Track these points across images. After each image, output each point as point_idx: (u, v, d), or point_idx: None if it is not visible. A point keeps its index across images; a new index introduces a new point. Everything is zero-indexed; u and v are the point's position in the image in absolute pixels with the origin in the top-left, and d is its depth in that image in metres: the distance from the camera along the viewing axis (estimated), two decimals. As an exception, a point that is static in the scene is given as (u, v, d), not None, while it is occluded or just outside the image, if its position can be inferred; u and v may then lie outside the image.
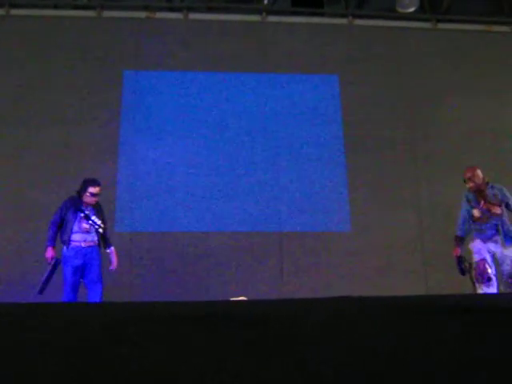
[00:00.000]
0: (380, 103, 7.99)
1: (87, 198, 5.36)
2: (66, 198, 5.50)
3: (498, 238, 5.41)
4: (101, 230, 5.34)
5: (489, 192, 5.53)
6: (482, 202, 5.49)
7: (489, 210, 5.45)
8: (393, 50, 8.26)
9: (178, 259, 7.11)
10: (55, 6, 8.04)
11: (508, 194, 5.52)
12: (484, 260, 5.35)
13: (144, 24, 8.04)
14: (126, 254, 6.77)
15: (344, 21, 8.45)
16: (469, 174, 5.57)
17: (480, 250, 5.46)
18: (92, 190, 5.35)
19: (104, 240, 5.51)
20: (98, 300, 5.22)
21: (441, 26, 8.56)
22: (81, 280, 5.29)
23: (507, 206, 5.50)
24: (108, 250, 5.52)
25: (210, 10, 8.26)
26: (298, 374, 1.42)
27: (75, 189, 6.56)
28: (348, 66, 8.07)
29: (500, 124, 8.10)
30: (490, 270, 5.29)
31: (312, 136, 7.75)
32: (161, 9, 8.17)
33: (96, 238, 5.35)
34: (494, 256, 5.44)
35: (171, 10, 8.22)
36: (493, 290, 5.27)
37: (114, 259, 5.50)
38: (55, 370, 1.43)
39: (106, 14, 8.05)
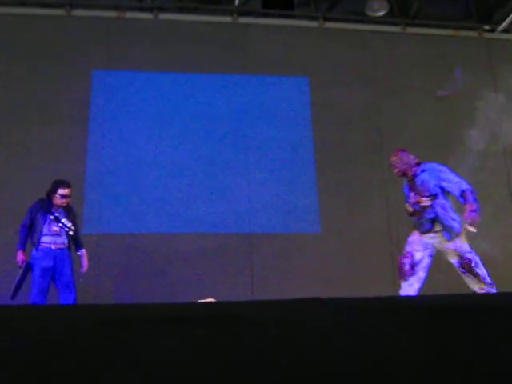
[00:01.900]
0: (350, 106, 8.05)
1: (57, 200, 5.25)
2: (35, 201, 5.37)
3: (438, 232, 4.74)
4: (71, 233, 5.25)
5: (417, 179, 4.84)
6: (412, 195, 4.86)
7: (418, 203, 4.79)
8: (363, 53, 8.34)
9: (146, 261, 7.04)
10: (22, 4, 7.89)
11: (443, 173, 4.77)
12: (405, 254, 4.79)
13: (114, 24, 7.96)
14: (94, 256, 6.66)
15: (314, 23, 8.49)
16: (392, 159, 4.99)
17: (412, 242, 4.84)
18: (62, 191, 5.25)
19: (75, 242, 5.42)
20: (71, 303, 5.13)
21: (410, 30, 8.67)
22: (51, 283, 5.18)
23: (441, 188, 4.74)
24: (79, 253, 5.42)
25: (180, 10, 8.20)
26: (267, 376, 1.42)
27: (43, 190, 6.48)
28: (318, 68, 8.12)
29: (470, 126, 8.23)
30: (407, 266, 4.72)
31: (282, 138, 7.77)
32: (131, 8, 8.09)
33: (66, 241, 5.25)
34: (434, 248, 4.80)
35: (142, 9, 8.14)
36: (409, 289, 4.69)
37: (85, 262, 5.41)
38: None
39: (76, 12, 7.94)
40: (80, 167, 7.27)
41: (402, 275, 4.75)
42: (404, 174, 4.95)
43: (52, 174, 6.88)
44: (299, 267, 7.31)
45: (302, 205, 7.55)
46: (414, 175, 4.87)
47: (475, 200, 4.56)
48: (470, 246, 4.70)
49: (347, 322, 2.12)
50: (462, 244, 4.66)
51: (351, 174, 7.79)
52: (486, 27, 8.85)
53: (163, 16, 8.13)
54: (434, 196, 4.73)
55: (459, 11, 8.86)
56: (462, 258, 4.62)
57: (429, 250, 4.79)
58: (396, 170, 4.97)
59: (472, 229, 4.68)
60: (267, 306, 3.20)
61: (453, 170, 4.83)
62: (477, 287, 4.57)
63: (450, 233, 4.68)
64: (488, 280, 4.54)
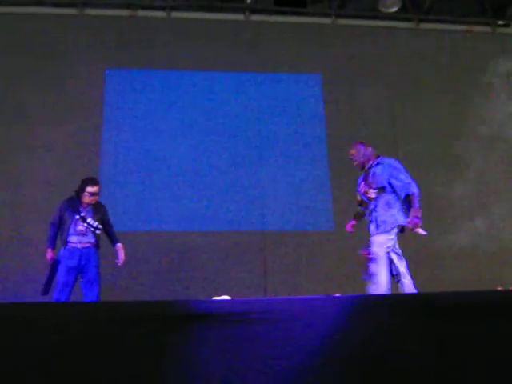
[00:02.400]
0: (363, 102, 8.02)
1: (86, 198, 5.22)
2: (65, 199, 5.34)
3: (371, 226, 4.78)
4: (98, 232, 5.23)
5: (371, 171, 4.84)
6: (362, 185, 4.91)
7: (365, 194, 4.84)
8: (376, 49, 8.30)
9: (161, 259, 7.07)
10: (37, 3, 7.94)
11: (396, 170, 4.71)
12: (366, 252, 4.78)
13: (127, 22, 7.99)
14: (109, 254, 6.67)
15: (327, 20, 8.47)
16: (351, 152, 4.97)
17: (381, 240, 4.73)
18: (90, 189, 5.22)
19: (109, 238, 5.41)
20: (94, 300, 5.14)
21: (423, 25, 8.62)
22: (77, 281, 5.18)
23: (390, 184, 4.69)
24: (115, 247, 5.40)
25: (193, 8, 8.22)
26: (281, 371, 1.42)
27: (57, 188, 6.56)
28: (331, 65, 8.09)
29: (485, 124, 8.18)
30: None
31: (295, 135, 7.76)
32: (144, 7, 8.11)
33: (93, 240, 5.21)
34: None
35: (154, 8, 8.16)
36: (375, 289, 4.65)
37: (121, 255, 5.36)
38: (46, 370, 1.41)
39: (89, 11, 7.99)
40: (94, 165, 7.31)
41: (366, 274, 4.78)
42: (363, 166, 4.95)
43: (68, 172, 7.00)
44: (313, 265, 7.29)
45: (315, 202, 7.53)
46: (370, 167, 4.87)
47: (419, 205, 4.56)
48: (389, 252, 4.61)
49: (360, 318, 2.12)
50: (381, 242, 4.62)
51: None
52: (500, 22, 8.78)
53: (175, 14, 8.15)
54: (381, 189, 4.72)
55: (473, 6, 8.79)
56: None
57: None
58: (355, 164, 4.97)
59: (422, 232, 4.65)
60: (281, 304, 3.21)
61: (407, 171, 4.78)
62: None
63: (377, 227, 4.68)
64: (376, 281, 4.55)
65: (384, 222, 4.64)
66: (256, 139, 7.68)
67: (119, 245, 5.41)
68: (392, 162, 4.83)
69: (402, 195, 4.62)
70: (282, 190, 7.50)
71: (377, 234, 4.68)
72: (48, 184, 7.16)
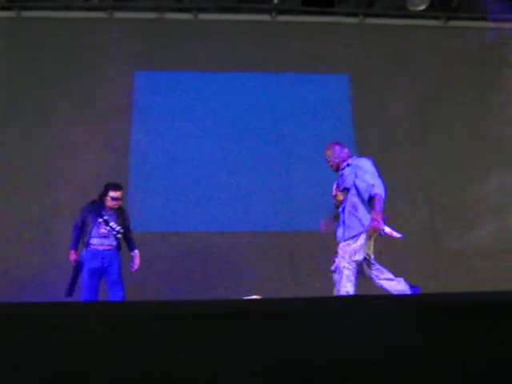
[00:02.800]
0: (392, 102, 7.96)
1: (108, 202, 5.31)
2: (87, 202, 5.45)
3: (339, 230, 4.61)
4: (119, 236, 5.31)
5: (341, 173, 4.74)
6: (334, 187, 4.81)
7: (334, 197, 4.78)
8: (404, 48, 8.23)
9: (190, 259, 7.11)
10: (66, 8, 8.06)
11: (361, 171, 4.54)
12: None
13: (154, 25, 8.06)
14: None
15: (355, 20, 8.42)
16: (326, 153, 4.84)
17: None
18: (113, 194, 5.30)
19: (128, 243, 5.50)
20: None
21: (452, 23, 8.52)
22: (101, 282, 5.27)
23: (355, 186, 4.54)
24: (132, 253, 5.50)
25: (219, 10, 8.25)
26: (319, 371, 1.42)
27: (85, 190, 6.66)
28: (359, 65, 8.05)
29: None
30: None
31: (324, 135, 7.71)
32: (171, 9, 8.17)
33: (115, 243, 5.30)
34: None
35: (181, 10, 8.22)
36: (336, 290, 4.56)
37: (137, 261, 5.48)
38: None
39: (117, 15, 8.08)
40: (123, 166, 7.39)
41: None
42: (338, 168, 4.82)
43: (96, 173, 7.09)
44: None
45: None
46: (342, 169, 4.76)
47: (381, 208, 4.42)
48: (357, 260, 4.46)
49: (387, 320, 2.10)
50: (346, 251, 4.47)
51: (394, 171, 7.68)
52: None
53: (202, 16, 8.19)
54: (346, 191, 4.61)
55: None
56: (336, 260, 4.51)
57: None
58: (330, 164, 4.86)
59: (396, 234, 4.59)
60: (311, 303, 3.20)
61: (374, 172, 4.62)
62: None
63: (344, 232, 4.53)
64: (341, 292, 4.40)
65: (349, 226, 4.50)
66: (284, 139, 7.68)
67: (136, 252, 5.52)
68: (360, 162, 4.67)
69: (366, 197, 4.49)
70: (309, 190, 7.46)
71: (344, 240, 4.53)
72: (77, 186, 7.25)
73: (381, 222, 4.39)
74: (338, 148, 4.80)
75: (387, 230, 4.67)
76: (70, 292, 5.09)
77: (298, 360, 1.51)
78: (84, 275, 5.17)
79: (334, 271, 4.54)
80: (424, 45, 8.31)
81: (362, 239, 4.46)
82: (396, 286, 4.52)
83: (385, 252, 7.33)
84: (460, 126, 7.95)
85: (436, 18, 8.52)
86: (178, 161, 7.53)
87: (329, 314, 2.33)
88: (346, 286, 4.39)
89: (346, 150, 4.82)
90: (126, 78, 7.76)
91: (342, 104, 7.93)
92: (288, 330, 1.91)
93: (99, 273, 5.21)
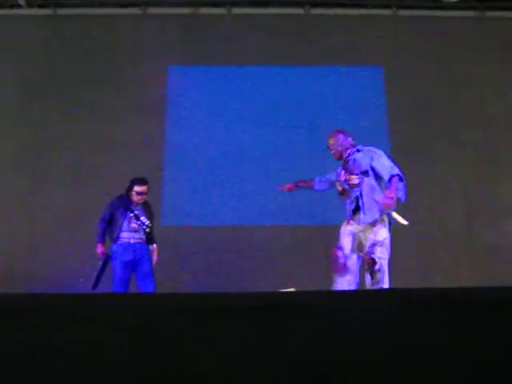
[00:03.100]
0: (426, 95, 7.87)
1: (134, 197, 5.40)
2: (114, 197, 5.55)
3: (360, 214, 4.46)
4: (148, 230, 5.41)
5: (351, 159, 4.63)
6: (343, 173, 4.65)
7: (347, 181, 4.57)
8: (439, 40, 8.11)
9: (223, 253, 7.15)
10: (101, 5, 8.16)
11: (377, 155, 4.50)
12: (338, 247, 4.55)
13: (188, 20, 8.11)
14: (172, 248, 6.81)
15: (388, 11, 8.32)
16: (329, 141, 4.77)
17: (341, 233, 4.61)
18: (138, 188, 5.39)
19: (150, 237, 5.57)
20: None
21: (488, 14, 8.35)
22: (132, 275, 5.37)
23: (372, 168, 4.45)
24: (151, 247, 5.58)
25: (253, 4, 8.25)
26: (346, 363, 1.44)
27: (120, 184, 6.77)
28: (393, 57, 7.96)
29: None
30: (341, 260, 4.46)
31: (357, 129, 7.66)
32: (205, 4, 8.20)
33: (144, 237, 5.40)
34: (356, 238, 4.47)
35: (215, 5, 8.24)
36: (344, 284, 4.42)
37: (155, 256, 5.56)
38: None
39: (151, 11, 8.15)
40: (158, 161, 7.48)
41: (336, 270, 4.53)
42: (340, 156, 4.74)
43: (131, 169, 7.16)
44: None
45: (377, 197, 7.45)
46: (349, 156, 4.67)
47: (398, 188, 4.29)
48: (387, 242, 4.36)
49: (425, 312, 2.10)
50: (379, 232, 4.35)
51: (428, 166, 7.63)
52: None
53: (236, 10, 8.20)
54: (364, 173, 4.50)
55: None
56: (370, 252, 4.33)
57: (352, 239, 4.54)
58: (333, 152, 4.77)
59: (402, 220, 4.50)
60: (347, 297, 3.21)
61: (389, 156, 4.63)
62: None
63: (366, 217, 4.41)
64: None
65: (369, 210, 4.40)
66: (318, 133, 7.64)
67: (155, 246, 5.59)
68: (372, 148, 4.65)
69: (386, 178, 4.36)
70: (344, 184, 7.43)
71: (370, 223, 4.40)
72: (111, 181, 7.36)
73: (393, 203, 4.24)
74: (341, 136, 4.75)
75: (395, 215, 4.59)
76: (95, 285, 5.20)
77: (319, 354, 1.52)
78: (116, 268, 5.27)
79: (379, 270, 4.32)
80: (459, 36, 8.17)
81: (386, 222, 4.42)
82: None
83: (420, 246, 7.31)
84: (496, 119, 7.82)
85: (472, 8, 8.36)
86: (211, 155, 7.58)
87: (353, 307, 2.34)
88: (387, 283, 4.33)
89: (350, 139, 4.76)
90: (160, 74, 7.84)
91: (376, 96, 7.87)
92: (311, 322, 1.93)
93: (131, 265, 5.31)
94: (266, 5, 8.22)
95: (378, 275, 4.27)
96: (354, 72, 7.95)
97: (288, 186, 5.12)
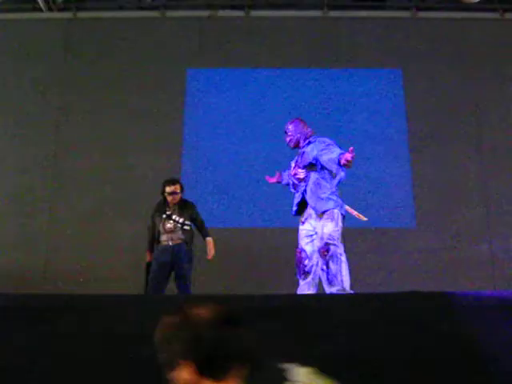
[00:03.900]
0: (445, 97, 7.82)
1: (168, 198, 5.43)
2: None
3: (308, 210, 4.27)
4: (186, 228, 5.36)
5: (302, 151, 4.43)
6: (292, 166, 4.51)
7: (295, 175, 4.41)
8: (458, 42, 8.05)
9: (238, 255, 7.15)
10: (120, 8, 8.24)
11: (324, 145, 4.24)
12: (300, 249, 4.31)
13: (206, 22, 8.14)
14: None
15: (407, 13, 8.29)
16: (288, 127, 4.59)
17: (299, 234, 4.39)
18: (168, 189, 5.41)
19: (200, 232, 5.55)
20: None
21: (509, 15, 8.28)
22: (169, 278, 5.35)
23: (319, 162, 4.22)
24: (205, 241, 5.53)
25: (271, 6, 8.26)
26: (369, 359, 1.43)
27: (140, 186, 6.87)
28: (412, 59, 7.93)
29: None
30: (306, 262, 4.20)
31: (376, 130, 7.66)
32: (223, 7, 8.23)
33: (183, 236, 5.35)
34: (313, 238, 4.24)
35: (233, 7, 8.27)
36: (305, 287, 4.21)
37: (210, 249, 5.48)
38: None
39: (170, 13, 8.19)
40: (176, 163, 7.51)
41: (299, 272, 4.32)
42: (297, 144, 4.55)
43: (150, 171, 7.25)
44: (393, 262, 7.20)
45: (396, 199, 7.42)
46: (302, 147, 4.49)
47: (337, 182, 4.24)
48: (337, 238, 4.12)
49: (447, 314, 2.10)
50: (327, 226, 4.14)
51: (447, 167, 7.57)
52: None
53: (254, 13, 8.22)
54: (309, 167, 4.32)
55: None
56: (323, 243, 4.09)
57: (309, 238, 4.32)
58: (289, 139, 4.58)
59: (359, 216, 4.50)
60: (362, 299, 3.20)
61: (335, 145, 4.33)
62: (326, 285, 4.07)
63: (315, 211, 4.23)
64: (339, 279, 4.01)
65: (316, 205, 4.22)
66: (336, 135, 7.56)
67: (208, 239, 5.54)
68: (323, 139, 4.41)
69: (335, 167, 4.15)
70: (362, 186, 7.40)
71: (318, 214, 4.20)
72: (132, 184, 7.43)
73: (353, 159, 4.05)
74: (301, 124, 4.60)
75: (349, 209, 4.57)
76: (145, 289, 5.28)
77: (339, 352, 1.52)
78: (152, 269, 5.30)
79: (331, 256, 4.05)
80: (479, 38, 8.11)
81: (335, 215, 4.20)
82: None
83: (438, 248, 7.26)
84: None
85: (492, 10, 8.29)
86: (228, 157, 7.59)
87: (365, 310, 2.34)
88: (347, 275, 4.12)
89: (309, 130, 4.59)
90: (178, 76, 7.88)
91: (395, 98, 7.84)
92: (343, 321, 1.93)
93: (169, 267, 5.30)
94: (284, 7, 8.23)
95: (332, 266, 4.03)
96: (373, 74, 7.93)
97: (271, 178, 4.94)
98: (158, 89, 7.82)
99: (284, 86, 7.86)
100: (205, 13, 8.18)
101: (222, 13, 8.20)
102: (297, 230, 4.59)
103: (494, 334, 1.75)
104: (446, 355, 1.49)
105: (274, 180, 4.93)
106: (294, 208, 4.46)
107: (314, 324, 1.92)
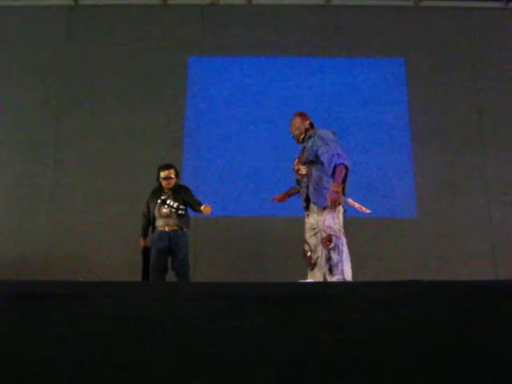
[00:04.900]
0: (448, 86, 7.79)
1: (163, 183, 5.45)
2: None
3: (311, 205, 4.29)
4: (180, 212, 5.33)
5: (303, 145, 4.44)
6: (296, 162, 4.50)
7: (297, 171, 4.45)
8: (461, 31, 8.01)
9: (242, 244, 7.17)
10: (120, -6, 8.19)
11: (323, 140, 4.20)
12: (304, 241, 4.37)
13: (208, 10, 8.10)
14: (191, 239, 6.82)
15: (410, 2, 8.24)
16: (290, 122, 4.61)
17: (305, 227, 4.43)
18: (162, 174, 5.45)
19: (197, 210, 5.37)
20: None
21: (512, 5, 8.25)
22: (167, 263, 5.36)
23: (318, 157, 4.21)
24: (199, 209, 5.33)
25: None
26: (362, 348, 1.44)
27: (141, 174, 6.85)
28: (414, 48, 7.90)
29: None
30: (309, 254, 4.28)
31: (377, 120, 7.64)
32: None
33: (178, 221, 5.33)
34: (318, 231, 4.26)
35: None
36: (313, 279, 4.27)
37: (208, 208, 5.29)
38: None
39: (171, 1, 8.15)
40: (177, 152, 7.50)
41: (307, 264, 4.36)
42: (299, 140, 4.56)
43: (151, 159, 7.23)
44: (393, 252, 7.21)
45: (397, 189, 7.42)
46: (303, 142, 4.48)
47: (339, 179, 4.10)
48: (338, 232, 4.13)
49: (446, 304, 2.10)
50: (326, 219, 4.13)
51: (449, 157, 7.57)
52: None
53: (256, 1, 8.17)
54: (310, 163, 4.30)
55: None
56: (323, 233, 4.12)
57: (312, 232, 4.36)
58: (292, 135, 4.61)
59: (362, 208, 4.50)
60: (366, 287, 3.20)
61: (337, 142, 4.29)
62: (327, 273, 4.08)
63: (316, 206, 4.25)
64: (339, 269, 4.03)
65: (317, 200, 4.23)
66: (337, 124, 7.60)
67: (203, 205, 5.32)
68: (323, 132, 4.33)
69: (329, 167, 4.12)
70: (363, 175, 7.40)
71: (320, 211, 4.21)
72: (133, 171, 7.43)
73: (340, 195, 4.08)
74: (298, 119, 4.58)
75: (352, 202, 4.55)
76: (144, 277, 5.28)
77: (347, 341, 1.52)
78: (151, 256, 5.31)
79: (333, 248, 4.08)
80: (482, 27, 8.07)
81: (336, 209, 4.19)
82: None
83: (440, 238, 7.26)
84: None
85: (495, -1, 8.24)
86: (231, 146, 7.59)
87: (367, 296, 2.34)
88: (348, 265, 4.15)
89: (307, 122, 4.55)
90: (179, 65, 7.85)
91: (397, 88, 7.81)
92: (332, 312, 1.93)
93: (166, 253, 5.31)
94: (286, -5, 8.17)
95: (333, 256, 4.06)
96: (375, 63, 7.90)
97: (278, 196, 4.92)
98: (160, 77, 7.80)
99: (286, 74, 7.84)
100: (206, 0, 8.13)
101: (223, 0, 8.15)
102: (299, 220, 4.63)
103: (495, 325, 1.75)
104: (444, 343, 1.49)
105: (281, 198, 4.93)
106: (303, 204, 4.45)
107: (316, 312, 1.92)
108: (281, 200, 4.89)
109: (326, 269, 4.11)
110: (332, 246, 4.07)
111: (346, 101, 7.74)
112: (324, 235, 4.13)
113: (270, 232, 7.24)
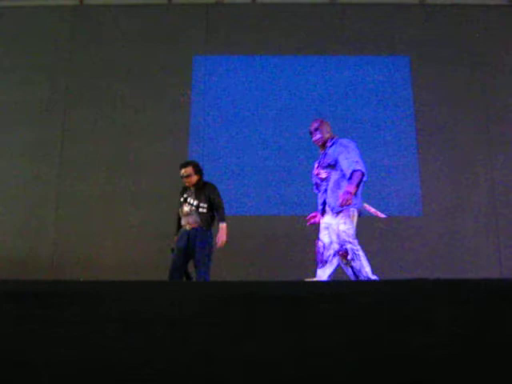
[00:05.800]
0: (453, 84, 7.77)
1: (184, 181, 5.37)
2: None
3: (327, 207, 4.48)
4: (202, 210, 5.23)
5: (324, 152, 4.63)
6: (316, 166, 4.70)
7: (317, 175, 4.62)
8: (467, 28, 7.98)
9: (245, 243, 7.16)
10: (126, -6, 8.20)
11: (344, 148, 4.44)
12: (318, 239, 4.53)
13: (213, 9, 8.10)
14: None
15: (415, 0, 8.21)
16: (315, 126, 4.72)
17: (320, 226, 4.60)
18: (180, 173, 5.36)
19: (217, 215, 5.32)
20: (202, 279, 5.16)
21: (518, 2, 8.21)
22: (187, 263, 5.28)
23: (338, 163, 4.43)
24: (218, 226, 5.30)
25: (278, -8, 8.20)
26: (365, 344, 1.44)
27: (146, 174, 6.85)
28: (420, 46, 7.87)
29: None
30: (323, 251, 4.43)
31: (383, 119, 7.63)
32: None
33: (198, 219, 5.22)
34: (331, 231, 4.44)
35: (242, -6, 8.21)
36: (323, 276, 4.40)
37: (220, 236, 5.22)
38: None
39: (176, 0, 8.15)
40: (183, 150, 7.50)
41: (318, 261, 4.51)
42: (324, 145, 4.67)
43: (156, 157, 7.29)
44: (399, 250, 7.20)
45: (403, 187, 7.40)
46: (326, 148, 4.64)
47: (357, 184, 4.27)
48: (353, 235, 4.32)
49: (453, 302, 2.09)
50: (340, 224, 4.34)
51: (454, 155, 7.54)
52: None
53: (261, 0, 8.16)
54: (331, 167, 4.48)
55: None
56: (340, 245, 4.33)
57: (328, 231, 4.51)
58: (317, 138, 4.69)
59: (377, 213, 4.60)
60: (373, 286, 3.20)
61: (357, 152, 4.49)
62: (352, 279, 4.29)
63: (332, 209, 4.41)
64: (364, 274, 4.21)
65: (334, 203, 4.39)
66: (342, 122, 7.61)
67: (221, 224, 5.28)
68: (344, 141, 4.58)
69: (348, 173, 4.32)
70: (369, 174, 7.36)
71: (335, 215, 4.40)
72: (137, 169, 7.45)
73: (351, 198, 4.24)
74: (327, 126, 4.74)
75: (368, 207, 4.72)
76: (170, 277, 5.19)
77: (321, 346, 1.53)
78: (172, 255, 5.27)
79: (352, 260, 4.28)
80: (488, 25, 8.03)
81: (351, 213, 4.40)
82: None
83: (445, 236, 7.25)
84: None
85: (501, -4, 8.20)
86: (235, 145, 7.59)
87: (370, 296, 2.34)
88: (368, 266, 4.32)
89: (330, 129, 4.74)
90: (185, 63, 7.85)
91: (402, 86, 7.79)
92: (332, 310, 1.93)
93: (185, 252, 5.20)
94: (291, -6, 8.16)
95: (355, 264, 4.25)
96: (380, 61, 7.88)
97: (313, 217, 4.87)
98: (165, 76, 7.81)
99: (291, 72, 7.84)
100: (212, -1, 8.14)
101: (228, -1, 8.16)
102: (304, 219, 4.90)
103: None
104: (449, 341, 1.49)
105: (314, 221, 4.86)
106: (320, 207, 4.62)
107: (321, 311, 1.92)
108: (316, 220, 4.83)
109: (350, 275, 4.35)
110: (350, 257, 4.28)
111: (351, 99, 7.73)
112: (337, 241, 4.33)
113: (274, 231, 7.23)
